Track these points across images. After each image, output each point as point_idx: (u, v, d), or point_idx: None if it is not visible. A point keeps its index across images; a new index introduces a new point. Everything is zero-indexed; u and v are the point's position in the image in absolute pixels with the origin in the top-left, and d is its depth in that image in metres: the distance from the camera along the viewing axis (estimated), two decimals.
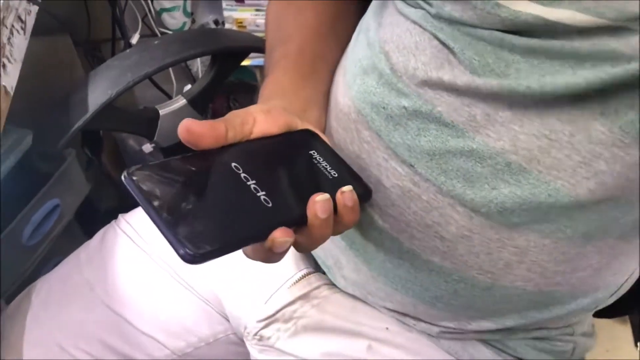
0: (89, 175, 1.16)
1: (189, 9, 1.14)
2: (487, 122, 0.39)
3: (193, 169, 0.38)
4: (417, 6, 0.44)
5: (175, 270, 0.60)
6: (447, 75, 0.40)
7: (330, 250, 0.53)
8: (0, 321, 0.61)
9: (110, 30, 1.10)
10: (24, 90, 0.60)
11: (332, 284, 0.55)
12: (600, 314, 0.57)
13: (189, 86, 0.87)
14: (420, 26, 0.43)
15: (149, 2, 1.05)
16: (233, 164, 0.38)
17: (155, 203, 0.34)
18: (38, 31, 0.67)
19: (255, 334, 0.55)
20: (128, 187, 0.35)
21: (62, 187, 1.09)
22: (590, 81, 0.35)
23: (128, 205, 0.66)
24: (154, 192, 0.34)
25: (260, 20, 1.13)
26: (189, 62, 1.23)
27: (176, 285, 0.60)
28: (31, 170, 1.09)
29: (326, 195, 0.38)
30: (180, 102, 0.78)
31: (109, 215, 0.68)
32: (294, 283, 0.55)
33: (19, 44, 0.65)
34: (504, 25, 0.38)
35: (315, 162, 0.43)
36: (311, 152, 0.43)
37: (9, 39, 0.63)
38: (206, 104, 0.80)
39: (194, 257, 0.32)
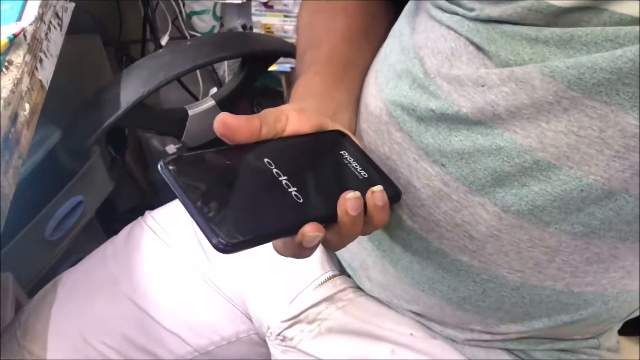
0: (112, 174, 1.18)
1: (218, 13, 1.16)
2: (513, 118, 0.39)
3: (227, 162, 0.39)
4: (452, 12, 0.44)
5: (201, 268, 0.61)
6: (480, 79, 0.41)
7: (357, 253, 0.53)
8: (5, 311, 0.62)
9: (139, 32, 1.12)
10: (52, 88, 0.61)
11: (357, 287, 0.56)
12: (627, 330, 0.56)
13: (214, 89, 0.88)
14: (455, 31, 0.43)
15: (180, 4, 1.07)
16: (265, 160, 0.39)
17: (190, 192, 0.35)
18: (68, 30, 0.68)
19: (279, 334, 0.56)
20: (164, 175, 0.36)
21: (86, 184, 1.10)
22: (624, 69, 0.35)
23: (147, 206, 0.67)
24: (189, 181, 0.35)
25: (288, 27, 1.14)
26: (216, 66, 1.24)
27: (201, 283, 0.61)
28: (57, 166, 1.11)
29: (357, 193, 0.38)
30: (209, 103, 0.79)
31: (129, 215, 0.69)
32: (320, 284, 0.55)
33: (56, 39, 0.67)
34: (546, 21, 0.38)
35: (346, 162, 0.43)
36: (342, 152, 0.44)
37: (46, 34, 0.64)
38: (234, 106, 0.81)
39: (226, 246, 0.32)
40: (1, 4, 0.60)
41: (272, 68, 1.14)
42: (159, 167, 0.36)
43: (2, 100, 0.51)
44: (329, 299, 0.54)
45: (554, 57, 0.38)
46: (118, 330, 0.59)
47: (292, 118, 0.43)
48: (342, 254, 0.56)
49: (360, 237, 0.51)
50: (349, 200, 0.38)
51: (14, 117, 0.53)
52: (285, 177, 0.39)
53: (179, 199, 0.35)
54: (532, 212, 0.41)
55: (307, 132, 0.43)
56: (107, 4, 1.12)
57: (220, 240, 0.32)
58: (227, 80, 1.19)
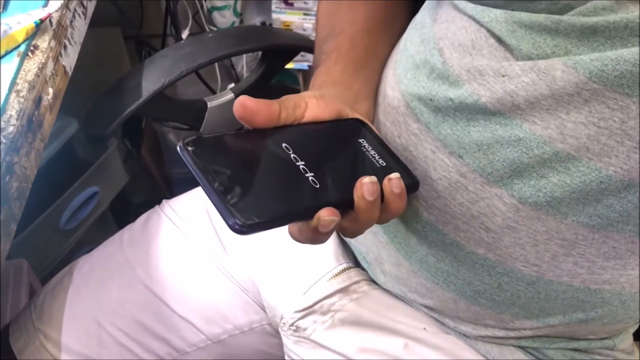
0: (127, 166, 1.19)
1: (238, 9, 1.16)
2: (532, 109, 0.39)
3: (245, 145, 0.39)
4: (478, 2, 0.44)
5: (216, 258, 0.61)
6: (502, 69, 0.41)
7: (371, 246, 0.53)
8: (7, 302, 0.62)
9: (159, 26, 1.13)
10: (70, 79, 0.62)
11: (371, 280, 0.56)
12: None
13: (232, 85, 0.89)
14: (477, 22, 0.43)
15: None
16: (284, 144, 0.40)
17: (208, 173, 0.35)
18: (90, 22, 0.69)
19: (292, 325, 0.56)
20: (182, 156, 0.36)
21: (101, 175, 1.11)
22: None
23: (161, 200, 0.67)
24: (207, 163, 0.36)
25: (308, 25, 1.15)
26: (234, 61, 1.25)
27: (216, 272, 0.61)
28: (73, 156, 1.12)
29: (373, 178, 0.38)
30: (228, 96, 0.80)
31: (142, 209, 0.69)
32: (334, 276, 0.55)
33: (80, 27, 0.67)
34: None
35: (364, 149, 0.43)
36: (360, 140, 0.44)
37: (71, 21, 0.65)
38: None
39: (241, 227, 0.33)
40: None
41: (289, 66, 1.15)
42: (177, 147, 0.36)
43: (27, 83, 0.52)
44: (343, 290, 0.54)
45: (576, 50, 0.38)
46: (132, 316, 0.59)
47: (312, 105, 0.43)
48: (357, 246, 0.56)
49: (375, 230, 0.52)
50: (365, 185, 0.38)
51: (38, 101, 0.54)
52: (303, 163, 0.39)
53: (197, 180, 0.35)
54: (549, 204, 0.41)
55: (326, 119, 0.43)
56: None
57: (237, 221, 0.33)
58: (244, 77, 1.20)
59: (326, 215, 0.36)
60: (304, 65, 1.20)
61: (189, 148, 0.36)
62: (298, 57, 1.19)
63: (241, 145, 0.39)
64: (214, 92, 1.09)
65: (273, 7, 1.14)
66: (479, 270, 0.45)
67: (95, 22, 0.71)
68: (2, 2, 0.60)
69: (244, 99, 0.38)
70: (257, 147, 0.39)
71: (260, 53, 0.82)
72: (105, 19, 1.02)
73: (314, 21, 1.15)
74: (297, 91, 1.29)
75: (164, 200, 0.68)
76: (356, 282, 0.55)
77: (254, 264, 0.60)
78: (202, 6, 1.09)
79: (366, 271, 0.56)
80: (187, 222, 0.63)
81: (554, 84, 0.38)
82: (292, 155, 0.39)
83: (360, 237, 0.54)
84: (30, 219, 0.95)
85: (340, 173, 0.41)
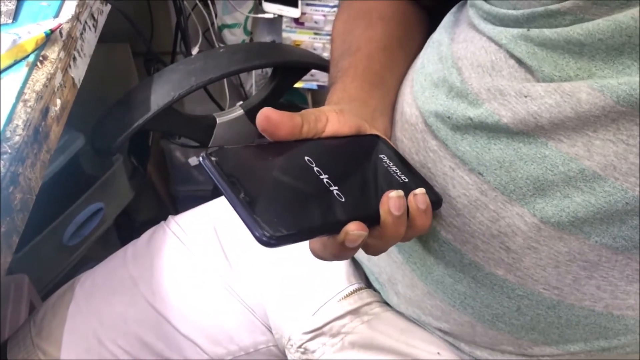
0: (133, 183, 1.18)
1: (249, 28, 1.16)
2: (557, 128, 0.38)
3: (268, 157, 0.38)
4: (493, 18, 0.43)
5: (222, 276, 0.60)
6: (524, 89, 0.40)
7: (385, 266, 0.52)
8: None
9: (168, 43, 1.13)
10: (79, 95, 0.61)
11: (384, 302, 0.54)
12: None
13: (240, 103, 0.88)
14: (496, 43, 0.42)
15: (213, 16, 1.08)
16: (306, 158, 0.39)
17: (233, 184, 0.34)
18: (99, 38, 0.69)
19: (300, 347, 0.54)
20: (205, 167, 0.35)
21: (107, 191, 1.11)
22: None
23: (165, 218, 0.66)
24: (231, 174, 0.35)
25: (318, 44, 1.15)
26: (243, 80, 1.25)
27: (221, 291, 0.59)
28: (79, 171, 1.11)
29: (400, 192, 0.37)
30: (238, 112, 0.79)
31: (146, 226, 0.68)
32: (345, 297, 0.53)
33: (90, 40, 0.67)
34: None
35: (386, 165, 0.43)
36: (381, 155, 0.43)
37: (81, 33, 0.64)
38: None
39: (269, 239, 0.32)
40: (39, 2, 0.61)
41: (297, 85, 1.14)
42: (200, 159, 0.36)
43: (34, 94, 0.51)
44: (354, 312, 0.53)
45: (601, 72, 0.37)
46: (133, 333, 0.58)
47: (332, 119, 0.43)
48: (369, 266, 0.54)
49: (389, 250, 0.50)
50: (391, 199, 0.37)
51: (45, 111, 0.53)
52: (327, 176, 0.38)
53: (221, 191, 0.34)
54: (572, 224, 0.39)
55: (346, 133, 0.43)
56: (140, 13, 1.13)
57: (265, 232, 0.32)
58: (253, 94, 1.19)
59: (354, 229, 0.35)
60: (313, 85, 1.20)
61: (212, 159, 0.36)
62: (307, 77, 1.19)
63: (264, 158, 0.38)
64: (222, 109, 1.09)
65: (284, 25, 1.14)
66: (498, 292, 0.44)
67: (104, 37, 0.71)
68: (13, 12, 0.59)
69: (267, 110, 0.38)
70: (280, 159, 0.39)
71: (270, 71, 0.82)
72: (114, 35, 1.02)
73: (324, 41, 1.15)
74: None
75: (170, 216, 0.67)
76: (368, 304, 0.53)
77: (261, 282, 0.58)
78: (212, 23, 1.09)
79: (378, 292, 0.54)
80: (193, 239, 0.62)
81: (580, 106, 0.37)
82: (315, 169, 0.38)
83: (373, 256, 0.52)
84: (33, 234, 0.94)
85: (364, 188, 0.40)
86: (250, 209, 0.33)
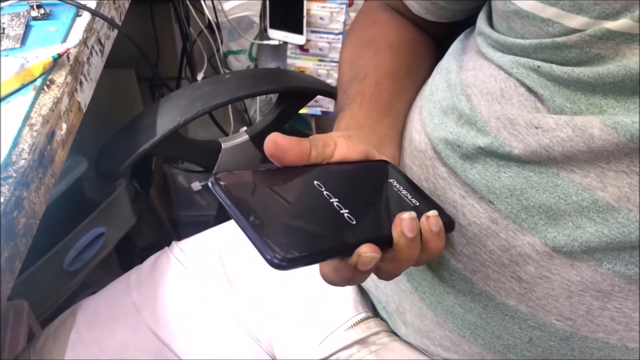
0: (135, 208, 1.17)
1: (254, 54, 1.17)
2: (570, 160, 0.38)
3: (277, 181, 0.38)
4: (507, 51, 0.43)
5: (227, 303, 0.59)
6: (535, 120, 0.39)
7: (392, 295, 0.51)
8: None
9: (173, 69, 1.14)
10: (83, 119, 0.61)
11: (392, 332, 0.53)
12: None
13: (245, 128, 0.88)
14: (506, 72, 0.42)
15: (219, 42, 1.09)
16: (315, 182, 0.39)
17: (242, 207, 0.34)
18: (105, 63, 0.69)
19: None
20: (214, 191, 0.35)
21: (109, 216, 1.10)
22: None
23: (167, 244, 0.66)
24: (240, 197, 0.35)
25: (322, 71, 1.15)
26: (247, 105, 1.25)
27: (226, 319, 0.58)
28: (81, 196, 1.10)
29: (413, 213, 0.37)
30: (243, 137, 0.78)
31: (148, 252, 0.68)
32: (352, 326, 0.52)
33: (96, 64, 0.67)
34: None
35: (396, 189, 0.42)
36: (391, 180, 0.43)
37: (88, 58, 0.64)
38: None
39: (281, 262, 0.31)
40: (47, 27, 0.61)
41: (302, 111, 1.14)
42: (209, 183, 0.35)
43: (41, 117, 0.51)
44: (362, 341, 0.52)
45: (612, 110, 0.37)
46: None
47: (341, 144, 0.42)
48: (377, 295, 0.53)
49: (398, 278, 0.49)
50: (404, 221, 0.36)
51: (51, 135, 0.53)
52: (337, 200, 0.38)
53: (230, 214, 0.34)
54: (585, 253, 0.39)
55: (354, 159, 0.43)
56: (145, 39, 1.14)
57: (276, 255, 0.31)
58: (258, 120, 1.19)
59: (367, 251, 0.34)
60: (317, 111, 1.20)
61: (221, 182, 0.35)
62: (311, 102, 1.19)
63: (272, 182, 0.38)
64: (226, 135, 1.09)
65: (288, 52, 1.15)
66: (509, 322, 0.43)
67: (109, 62, 0.71)
68: (21, 37, 0.60)
69: (275, 136, 0.38)
70: (289, 183, 0.39)
71: (274, 97, 0.82)
72: (120, 60, 1.02)
73: (328, 67, 1.16)
74: (309, 136, 1.28)
75: (173, 242, 0.66)
76: (375, 333, 0.52)
77: (266, 310, 0.57)
78: (218, 49, 1.10)
79: (386, 322, 0.53)
80: (197, 265, 0.61)
81: (592, 142, 0.37)
82: (325, 193, 0.38)
83: (380, 285, 0.51)
84: (33, 258, 0.93)
85: (376, 211, 0.39)
86: (261, 231, 0.32)
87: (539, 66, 0.40)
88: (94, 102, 0.64)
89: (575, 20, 0.37)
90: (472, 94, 0.44)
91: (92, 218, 1.05)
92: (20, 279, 0.87)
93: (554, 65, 0.39)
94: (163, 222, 1.28)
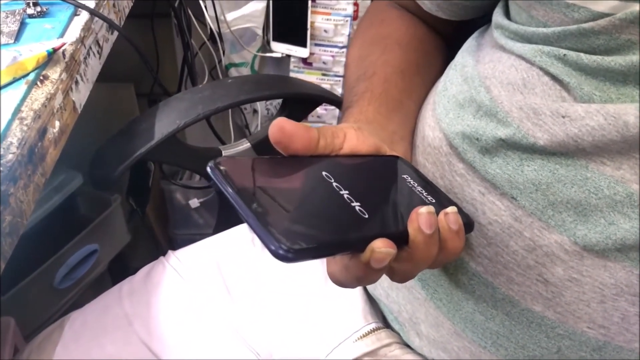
0: (130, 226, 1.14)
1: (256, 67, 1.16)
2: (600, 151, 0.35)
3: (282, 169, 0.35)
4: (527, 42, 0.41)
5: (225, 314, 0.55)
6: (562, 109, 0.37)
7: (405, 304, 0.47)
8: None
9: (173, 82, 1.12)
10: (78, 133, 0.59)
11: (404, 344, 0.49)
12: None
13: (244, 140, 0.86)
14: (527, 60, 0.40)
15: (221, 54, 1.07)
16: (324, 173, 0.36)
17: (244, 194, 0.30)
18: (103, 78, 0.67)
19: None
20: (213, 176, 0.32)
21: (102, 233, 1.07)
22: None
23: None
24: (241, 184, 0.31)
25: (326, 85, 1.13)
26: (248, 120, 1.23)
27: (223, 331, 0.55)
28: (75, 212, 1.08)
29: (431, 208, 0.34)
30: (244, 145, 0.76)
31: None
32: (361, 337, 0.49)
33: (94, 66, 0.65)
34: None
35: (410, 185, 0.39)
36: (404, 176, 0.40)
37: (85, 58, 0.62)
38: (269, 151, 0.77)
39: (287, 253, 0.28)
40: (43, 24, 0.59)
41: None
42: (208, 168, 0.32)
43: (32, 112, 0.49)
44: (372, 354, 0.48)
45: None
46: None
47: (350, 136, 0.40)
48: (388, 304, 0.50)
49: (410, 284, 0.46)
50: (421, 215, 0.33)
51: (43, 132, 0.50)
52: (347, 192, 0.34)
53: (230, 202, 0.30)
54: (619, 251, 0.35)
55: (364, 152, 0.40)
56: (145, 50, 1.12)
57: (282, 245, 0.28)
58: (260, 129, 1.17)
59: (382, 246, 0.31)
60: (319, 126, 1.18)
61: (221, 167, 0.32)
62: (313, 118, 1.18)
63: (277, 170, 0.35)
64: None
65: (291, 65, 1.13)
66: (535, 331, 0.39)
67: (108, 77, 0.69)
68: (15, 33, 0.58)
69: (281, 121, 0.35)
70: (294, 172, 0.35)
71: (276, 112, 0.79)
72: (119, 75, 1.01)
73: (332, 82, 1.14)
74: None
75: (169, 251, 0.63)
76: (387, 345, 0.49)
77: (267, 322, 0.54)
78: (219, 61, 1.08)
79: (398, 333, 0.50)
80: (194, 274, 0.58)
81: (626, 130, 0.34)
82: (334, 184, 0.35)
83: (392, 293, 0.48)
84: (23, 275, 0.90)
85: (389, 205, 0.36)
86: (265, 220, 0.29)
87: (564, 54, 0.37)
88: (91, 116, 0.62)
89: (604, 4, 0.35)
90: (491, 84, 0.41)
91: (85, 234, 1.02)
92: (9, 295, 0.83)
93: (582, 54, 0.36)
94: (158, 240, 1.25)
